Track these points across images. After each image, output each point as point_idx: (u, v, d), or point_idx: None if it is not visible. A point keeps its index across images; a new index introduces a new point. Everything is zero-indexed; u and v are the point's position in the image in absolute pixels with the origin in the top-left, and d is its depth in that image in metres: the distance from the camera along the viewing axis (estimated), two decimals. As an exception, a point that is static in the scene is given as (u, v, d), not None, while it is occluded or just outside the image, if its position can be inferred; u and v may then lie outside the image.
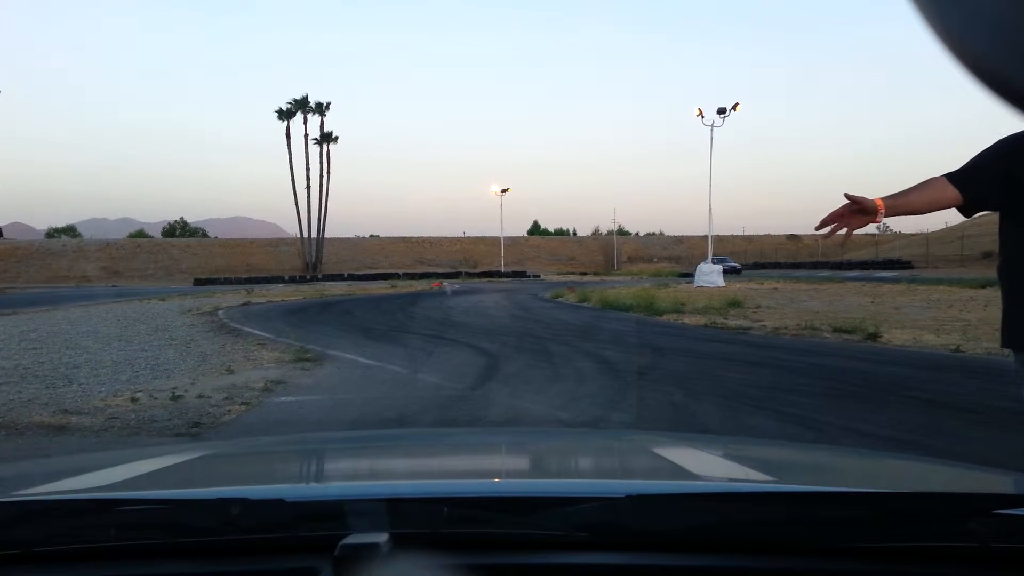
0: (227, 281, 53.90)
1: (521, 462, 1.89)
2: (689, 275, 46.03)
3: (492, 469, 1.77)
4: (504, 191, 63.27)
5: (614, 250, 78.53)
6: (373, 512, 0.98)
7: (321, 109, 73.33)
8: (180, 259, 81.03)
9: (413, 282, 46.99)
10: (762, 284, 32.42)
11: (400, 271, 61.36)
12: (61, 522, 1.02)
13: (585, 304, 21.50)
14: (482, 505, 1.06)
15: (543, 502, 1.07)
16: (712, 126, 33.50)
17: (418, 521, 0.99)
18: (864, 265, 53.89)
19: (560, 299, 24.75)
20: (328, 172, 71.91)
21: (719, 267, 32.52)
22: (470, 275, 57.88)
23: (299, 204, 70.19)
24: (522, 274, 58.45)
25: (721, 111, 33.35)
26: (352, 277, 57.42)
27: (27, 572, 0.98)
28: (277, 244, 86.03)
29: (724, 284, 31.40)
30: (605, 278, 50.69)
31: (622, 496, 1.04)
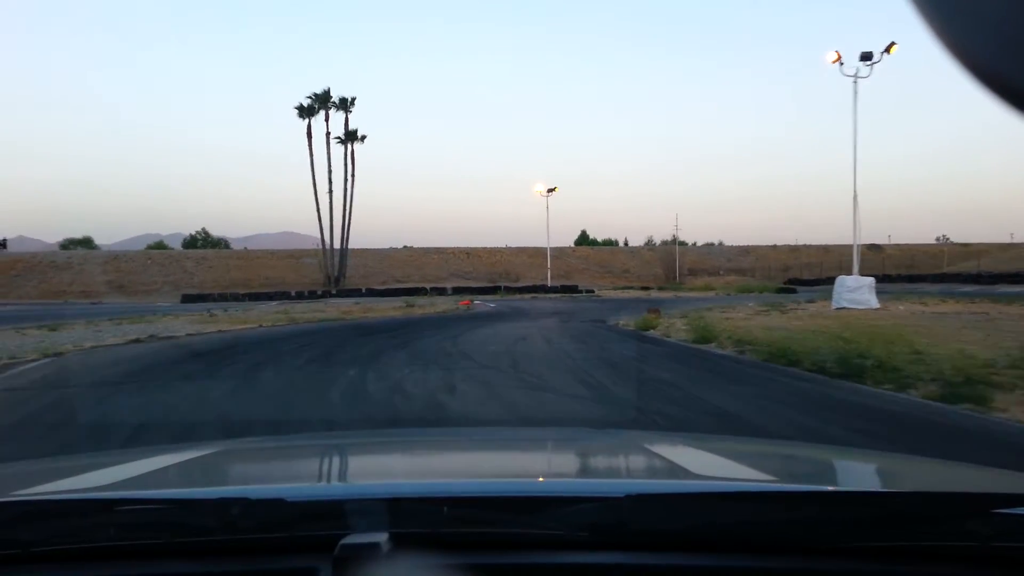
0: (222, 297, 45.56)
1: (521, 462, 1.86)
2: (789, 291, 35.85)
3: (492, 469, 1.73)
4: (551, 191, 53.33)
5: (676, 261, 68.32)
6: (373, 512, 0.97)
7: (346, 105, 65.61)
8: (194, 272, 73.93)
9: (437, 300, 37.63)
10: (926, 305, 22.20)
11: (429, 285, 52.33)
12: (61, 522, 1.01)
13: (710, 346, 11.80)
14: (482, 505, 1.05)
15: (543, 502, 1.06)
16: (856, 76, 23.50)
17: (418, 521, 0.99)
18: (1018, 278, 38.69)
19: (652, 332, 15.03)
20: (352, 175, 63.97)
21: (870, 281, 22.26)
22: (510, 290, 48.39)
23: (320, 211, 62.10)
24: (572, 289, 48.75)
25: (866, 57, 23.29)
26: (371, 292, 48.61)
27: (27, 572, 0.98)
28: (300, 256, 78.14)
29: (879, 305, 21.39)
30: (679, 294, 40.62)
31: (621, 496, 1.04)
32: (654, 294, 42.88)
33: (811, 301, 25.71)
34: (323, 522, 0.99)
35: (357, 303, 33.72)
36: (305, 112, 64.83)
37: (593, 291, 47.63)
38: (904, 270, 65.06)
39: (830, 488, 1.35)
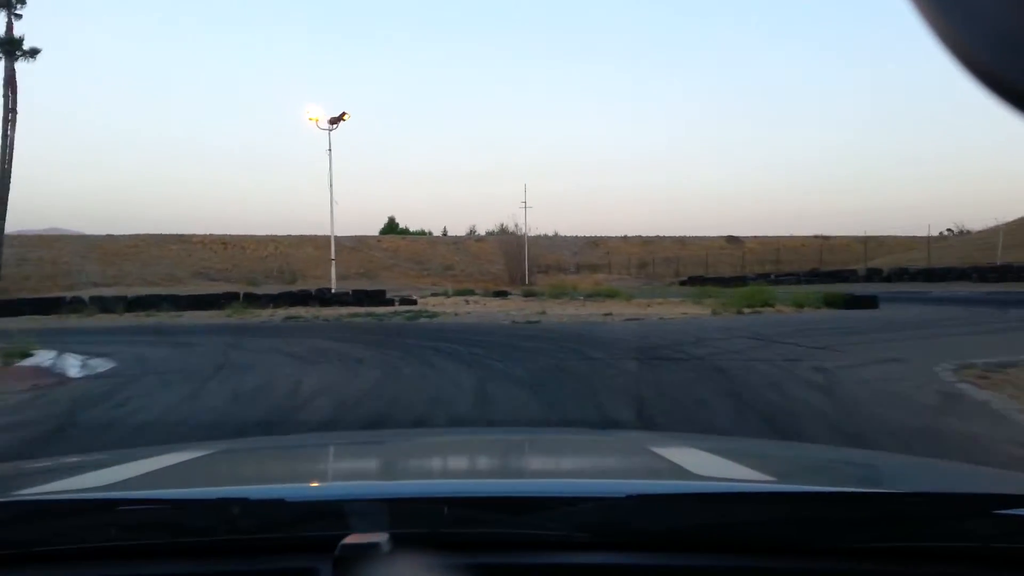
0: None
1: (521, 462, 1.84)
2: (865, 303, 16.63)
3: (492, 469, 1.72)
4: (337, 120, 30.80)
5: (526, 255, 48.78)
6: (373, 512, 0.97)
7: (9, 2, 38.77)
8: None
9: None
10: None
11: (127, 294, 28.20)
12: (61, 522, 1.01)
13: None
14: (482, 505, 1.05)
15: (543, 502, 1.06)
16: None
17: (418, 521, 0.99)
18: (927, 276, 32.38)
19: None
20: (13, 109, 37.95)
21: None
22: (259, 300, 25.41)
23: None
24: (377, 296, 26.81)
25: None
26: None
27: (27, 572, 0.97)
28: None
29: None
30: (614, 310, 20.07)
31: (622, 496, 1.03)
32: (526, 306, 22.44)
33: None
34: (323, 522, 0.99)
35: None
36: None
37: (414, 299, 26.39)
38: (771, 267, 51.04)
39: (830, 488, 1.34)
